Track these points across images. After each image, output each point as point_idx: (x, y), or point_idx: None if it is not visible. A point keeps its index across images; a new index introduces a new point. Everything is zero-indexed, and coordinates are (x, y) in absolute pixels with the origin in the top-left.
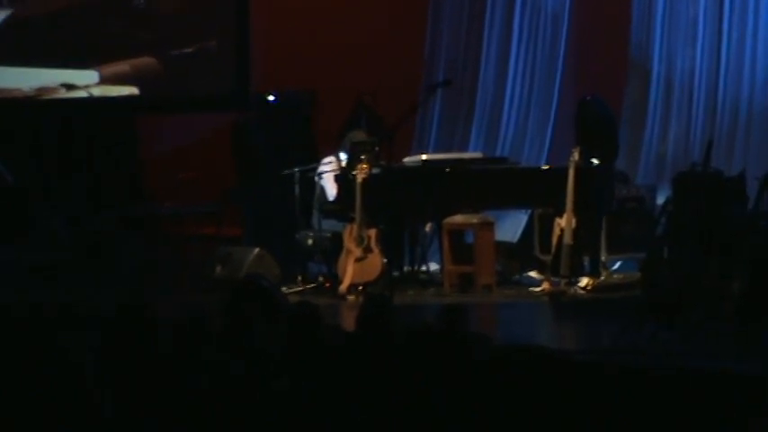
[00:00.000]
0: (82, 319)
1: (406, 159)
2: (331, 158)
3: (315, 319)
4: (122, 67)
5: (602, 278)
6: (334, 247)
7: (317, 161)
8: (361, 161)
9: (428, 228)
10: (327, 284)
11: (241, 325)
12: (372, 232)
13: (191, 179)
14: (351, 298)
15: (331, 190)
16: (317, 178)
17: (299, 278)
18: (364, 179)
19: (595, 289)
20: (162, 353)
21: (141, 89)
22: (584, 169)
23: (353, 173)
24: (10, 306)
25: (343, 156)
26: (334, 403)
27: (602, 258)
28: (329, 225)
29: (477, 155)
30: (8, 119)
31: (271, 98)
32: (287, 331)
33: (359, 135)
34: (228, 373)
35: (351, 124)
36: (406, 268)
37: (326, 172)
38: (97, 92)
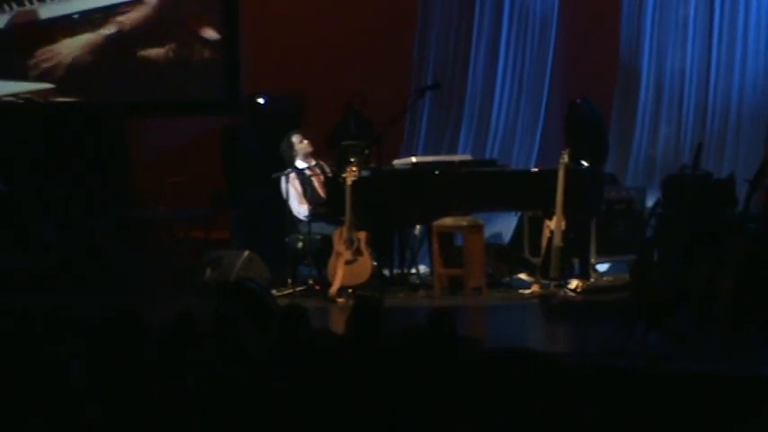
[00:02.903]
0: (74, 323)
1: (396, 162)
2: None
3: (305, 322)
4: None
5: (592, 280)
6: (323, 250)
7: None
8: (350, 164)
9: (418, 230)
10: (317, 287)
11: (231, 328)
12: (362, 235)
13: (181, 183)
14: (341, 301)
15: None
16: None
17: (289, 281)
18: (354, 182)
19: (585, 291)
20: (153, 356)
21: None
22: (573, 171)
23: (343, 176)
24: (3, 311)
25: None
26: (324, 406)
27: (592, 260)
28: (319, 228)
29: (467, 157)
30: None
31: (261, 101)
32: (277, 334)
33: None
34: (219, 376)
35: (340, 128)
36: (395, 271)
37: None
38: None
